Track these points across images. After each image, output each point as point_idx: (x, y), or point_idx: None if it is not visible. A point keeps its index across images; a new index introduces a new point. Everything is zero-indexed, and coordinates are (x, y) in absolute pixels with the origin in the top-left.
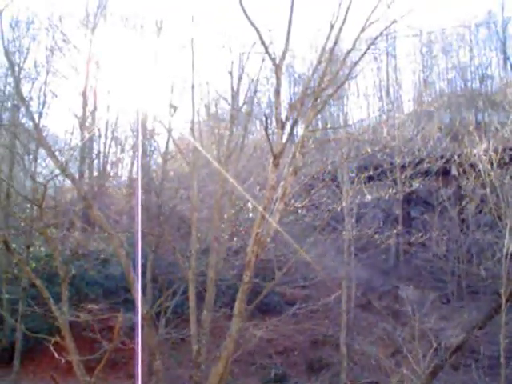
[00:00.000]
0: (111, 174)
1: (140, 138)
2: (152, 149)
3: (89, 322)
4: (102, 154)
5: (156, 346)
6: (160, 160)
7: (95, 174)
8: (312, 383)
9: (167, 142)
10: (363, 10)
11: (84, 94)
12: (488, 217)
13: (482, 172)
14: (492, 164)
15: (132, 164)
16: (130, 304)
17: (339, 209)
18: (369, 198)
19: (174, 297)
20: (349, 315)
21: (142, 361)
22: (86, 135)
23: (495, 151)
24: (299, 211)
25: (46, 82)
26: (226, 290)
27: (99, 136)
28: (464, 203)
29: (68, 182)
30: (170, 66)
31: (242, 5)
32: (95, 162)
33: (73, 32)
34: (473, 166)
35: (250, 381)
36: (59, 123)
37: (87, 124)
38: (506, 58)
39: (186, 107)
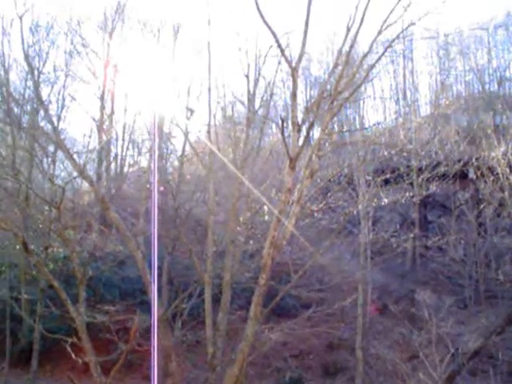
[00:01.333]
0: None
1: (156, 140)
2: (169, 152)
3: (105, 324)
4: (119, 157)
5: (171, 348)
6: (176, 163)
7: (112, 176)
8: None
9: (184, 145)
10: (380, 13)
11: (102, 98)
12: (506, 220)
13: (500, 175)
14: (511, 167)
15: (149, 167)
16: (145, 306)
17: (355, 212)
18: (385, 201)
19: (189, 299)
20: (365, 319)
21: (158, 362)
22: (104, 138)
23: None
24: (315, 214)
25: (64, 86)
26: (241, 292)
27: (116, 139)
28: (482, 207)
29: (86, 185)
30: (187, 69)
31: (258, 8)
32: (112, 164)
33: (91, 36)
34: (491, 169)
35: (265, 383)
36: (77, 126)
37: (105, 127)
38: None
39: (203, 110)
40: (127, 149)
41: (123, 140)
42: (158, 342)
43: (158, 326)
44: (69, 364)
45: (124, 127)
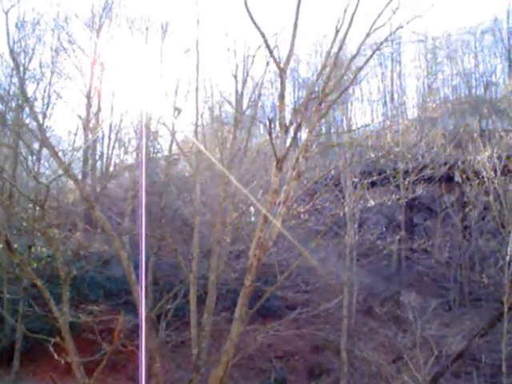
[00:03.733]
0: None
1: (144, 140)
2: (155, 151)
3: (89, 324)
4: (105, 156)
5: (156, 349)
6: (163, 162)
7: (98, 175)
8: None
9: (171, 145)
10: (369, 16)
11: (88, 96)
12: (491, 224)
13: (485, 179)
14: (496, 171)
15: (135, 166)
16: (130, 306)
17: (342, 214)
18: (372, 203)
19: (174, 299)
20: (350, 321)
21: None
22: (90, 136)
23: (499, 158)
24: (302, 216)
25: (50, 83)
26: (226, 293)
27: (103, 137)
28: (467, 210)
29: (71, 183)
30: (175, 68)
31: (247, 9)
32: (98, 163)
33: (78, 33)
34: (476, 172)
35: None
36: (63, 124)
37: (91, 125)
38: (510, 65)
39: (190, 110)
40: (113, 147)
41: (109, 138)
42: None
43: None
44: (51, 364)
45: (110, 126)
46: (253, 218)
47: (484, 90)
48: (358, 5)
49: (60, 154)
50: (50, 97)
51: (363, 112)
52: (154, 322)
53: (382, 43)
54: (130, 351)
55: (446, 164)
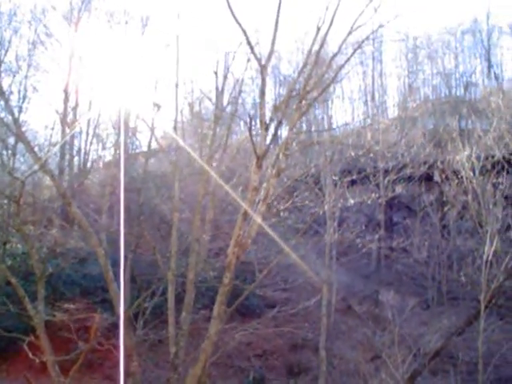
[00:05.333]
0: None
1: (123, 136)
2: (134, 147)
3: (65, 322)
4: (82, 151)
5: (133, 347)
6: (142, 158)
7: (75, 171)
8: None
9: (150, 141)
10: (350, 14)
11: (66, 90)
12: (469, 223)
13: (464, 179)
14: (474, 171)
15: (113, 162)
16: (107, 304)
17: (322, 212)
18: (351, 202)
19: (152, 297)
20: (329, 319)
21: (118, 362)
22: (67, 131)
23: (477, 158)
24: (281, 213)
25: (26, 76)
26: (205, 291)
27: (80, 133)
28: (446, 209)
29: (47, 179)
30: (155, 63)
31: (229, 5)
32: (75, 158)
33: (56, 26)
34: (455, 172)
35: (228, 383)
36: (39, 118)
37: (68, 120)
38: (490, 66)
39: (170, 106)
40: (91, 143)
41: (87, 134)
42: (119, 340)
43: (120, 324)
44: (26, 363)
45: (88, 121)
46: (232, 216)
47: (464, 91)
48: (339, 3)
49: (36, 148)
50: (26, 90)
51: (344, 110)
52: (132, 320)
53: (363, 42)
54: (106, 350)
55: (425, 163)
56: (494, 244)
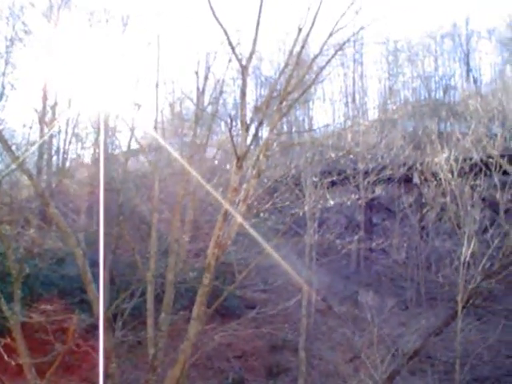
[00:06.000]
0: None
1: (103, 135)
2: (114, 147)
3: (42, 323)
4: (61, 151)
5: (112, 349)
6: (121, 158)
7: (54, 170)
8: None
9: (129, 141)
10: (332, 16)
11: (44, 88)
12: (447, 225)
13: (442, 180)
14: (452, 173)
15: (93, 161)
16: (85, 305)
17: (302, 213)
18: (331, 203)
19: (131, 298)
20: (309, 320)
21: (96, 364)
22: (46, 130)
23: (456, 160)
24: (261, 214)
25: (4, 74)
26: (185, 292)
27: (59, 132)
28: (424, 211)
29: (25, 178)
30: (135, 63)
31: (210, 4)
32: (54, 158)
33: (35, 23)
34: (434, 174)
35: None
36: (17, 117)
37: (47, 119)
38: (468, 70)
39: (150, 105)
40: (70, 142)
41: (66, 133)
42: (98, 342)
43: (98, 326)
44: (1, 366)
45: (67, 120)
46: (212, 216)
47: (443, 94)
48: (320, 5)
49: (14, 147)
50: (3, 88)
51: (325, 112)
52: (110, 322)
53: (344, 44)
54: (84, 352)
55: (404, 165)
56: (472, 245)
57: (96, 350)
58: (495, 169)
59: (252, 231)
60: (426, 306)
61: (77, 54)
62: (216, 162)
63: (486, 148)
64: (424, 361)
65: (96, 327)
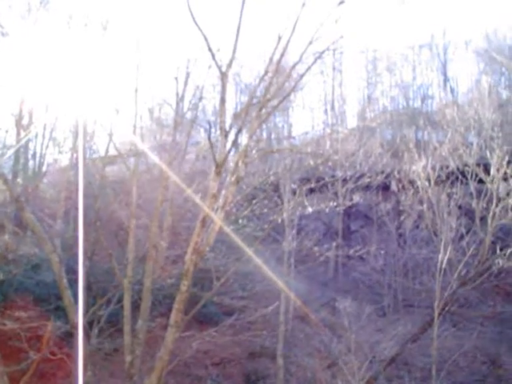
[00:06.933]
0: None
1: (81, 140)
2: (92, 152)
3: (16, 331)
4: (38, 155)
5: (88, 357)
6: (99, 164)
7: (30, 175)
8: None
9: (107, 146)
10: (312, 25)
11: (21, 92)
12: (424, 232)
13: (419, 188)
14: (429, 181)
15: (70, 166)
16: (61, 312)
17: (280, 220)
18: (310, 210)
19: (108, 305)
20: (287, 327)
21: (71, 372)
22: (23, 134)
23: (433, 169)
24: (240, 221)
25: None
26: (162, 299)
27: (36, 136)
28: (402, 218)
29: (0, 183)
30: (114, 67)
31: (190, 11)
32: (30, 162)
33: (12, 25)
34: (411, 182)
35: None
36: None
37: (24, 123)
38: (445, 80)
39: (129, 111)
40: (47, 146)
41: (43, 137)
42: (73, 350)
43: (74, 334)
44: None
45: (45, 124)
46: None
47: (421, 102)
48: (300, 14)
49: None
50: None
51: (304, 119)
52: (87, 329)
53: (323, 52)
54: (59, 359)
55: (382, 173)
56: (448, 252)
57: (71, 357)
58: (471, 177)
59: (231, 237)
60: (403, 312)
61: (55, 57)
62: (195, 168)
63: (463, 157)
64: (401, 367)
65: (71, 335)
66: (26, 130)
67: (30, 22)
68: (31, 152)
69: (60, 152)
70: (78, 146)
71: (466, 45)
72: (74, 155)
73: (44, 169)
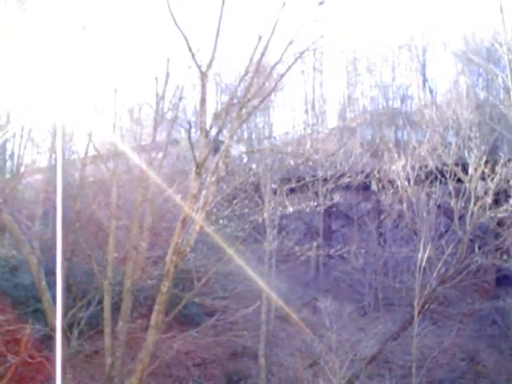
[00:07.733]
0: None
1: (60, 140)
2: (70, 152)
3: None
4: (15, 155)
5: (67, 359)
6: (78, 164)
7: (7, 176)
8: None
9: (87, 147)
10: (292, 25)
11: None
12: (404, 231)
13: (399, 188)
14: (409, 180)
15: (48, 167)
16: (39, 315)
17: (261, 220)
18: (291, 209)
19: (88, 307)
20: (268, 327)
21: (51, 375)
22: (0, 135)
23: (412, 168)
24: (221, 221)
25: None
26: (143, 300)
27: (13, 136)
28: (382, 217)
29: None
30: (93, 67)
31: (170, 11)
32: (8, 163)
33: None
34: (391, 181)
35: None
36: None
37: (1, 123)
38: (424, 80)
39: (109, 111)
40: (25, 147)
41: (21, 137)
42: (53, 353)
43: (53, 337)
44: None
45: (23, 124)
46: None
47: (400, 103)
48: (280, 14)
49: None
50: None
51: (285, 119)
52: (66, 331)
53: (303, 52)
54: (38, 362)
55: (362, 172)
56: (428, 251)
57: (51, 361)
58: (450, 176)
59: (212, 238)
60: (384, 311)
61: (33, 56)
62: (175, 168)
63: (441, 156)
64: (382, 365)
65: (51, 337)
66: (3, 130)
67: (7, 20)
68: (9, 153)
69: (38, 152)
70: (57, 146)
71: (445, 46)
72: (53, 156)
73: (22, 170)
